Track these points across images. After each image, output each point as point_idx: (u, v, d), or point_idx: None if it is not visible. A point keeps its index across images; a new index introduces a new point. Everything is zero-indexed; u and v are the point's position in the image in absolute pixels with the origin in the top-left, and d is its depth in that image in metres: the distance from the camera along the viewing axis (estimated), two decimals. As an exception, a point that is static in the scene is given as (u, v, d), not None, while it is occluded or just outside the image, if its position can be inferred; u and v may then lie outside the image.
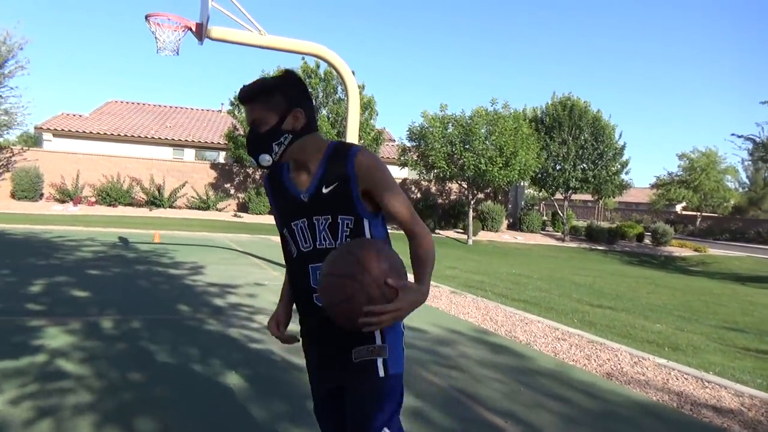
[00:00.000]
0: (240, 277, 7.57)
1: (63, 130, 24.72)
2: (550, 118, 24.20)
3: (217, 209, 22.88)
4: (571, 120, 23.76)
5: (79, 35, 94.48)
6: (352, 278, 1.44)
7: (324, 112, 22.08)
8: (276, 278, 7.76)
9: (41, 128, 25.06)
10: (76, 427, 2.65)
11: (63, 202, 21.25)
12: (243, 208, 23.22)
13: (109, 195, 21.38)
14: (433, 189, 25.46)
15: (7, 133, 21.90)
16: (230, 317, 5.14)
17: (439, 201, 25.22)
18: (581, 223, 28.93)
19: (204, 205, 22.59)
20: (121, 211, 20.88)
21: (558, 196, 25.45)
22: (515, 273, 11.71)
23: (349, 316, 1.45)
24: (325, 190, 1.61)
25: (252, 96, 1.62)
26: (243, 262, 9.41)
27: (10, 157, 21.50)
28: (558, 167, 23.89)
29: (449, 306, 6.63)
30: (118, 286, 6.48)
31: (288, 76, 1.69)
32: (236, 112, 22.66)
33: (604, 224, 28.47)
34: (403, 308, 1.47)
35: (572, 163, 23.53)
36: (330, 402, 1.71)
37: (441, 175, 21.09)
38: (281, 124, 1.59)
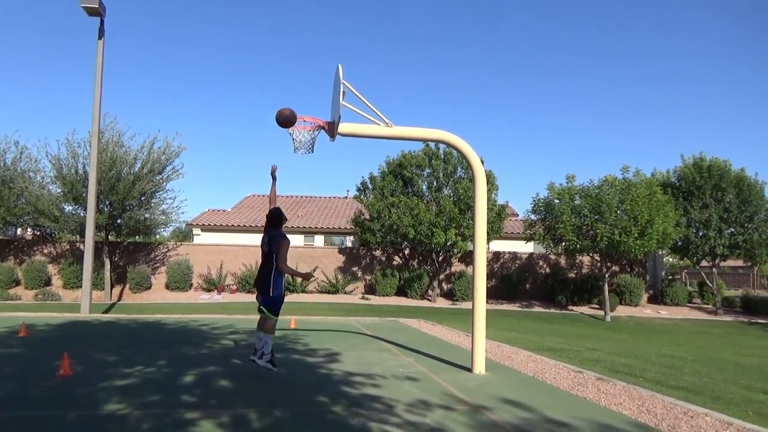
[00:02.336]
0: (375, 365, 7.55)
1: (209, 224, 27.14)
2: (686, 182, 22.57)
3: (345, 292, 23.48)
4: (710, 182, 21.99)
5: (221, 138, 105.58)
6: None
7: (446, 191, 22.33)
8: (410, 365, 7.65)
9: (191, 224, 27.72)
10: None
11: (209, 291, 22.97)
12: (370, 290, 23.63)
13: (248, 282, 22.78)
14: (563, 263, 24.35)
15: (164, 230, 24.42)
16: (370, 410, 5.08)
17: (571, 275, 24.00)
18: (734, 293, 26.02)
19: (333, 289, 23.30)
20: (259, 297, 22.10)
21: (704, 263, 23.24)
22: (666, 354, 10.61)
23: None
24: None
25: (269, 219, 6.82)
26: (374, 347, 9.43)
27: (166, 252, 23.82)
28: (701, 233, 21.98)
29: (598, 395, 6.08)
30: (259, 375, 6.72)
31: (276, 212, 6.87)
32: (362, 197, 23.60)
33: (763, 293, 25.36)
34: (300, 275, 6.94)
35: (717, 229, 21.55)
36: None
37: (570, 247, 20.18)
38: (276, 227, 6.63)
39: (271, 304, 6.40)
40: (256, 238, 27.40)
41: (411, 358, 8.33)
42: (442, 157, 22.31)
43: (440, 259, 23.29)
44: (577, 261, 24.08)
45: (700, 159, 22.61)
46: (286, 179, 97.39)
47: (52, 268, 22.68)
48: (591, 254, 20.69)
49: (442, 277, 23.86)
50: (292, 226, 26.32)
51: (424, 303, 21.88)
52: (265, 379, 6.53)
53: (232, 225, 26.80)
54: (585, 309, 21.69)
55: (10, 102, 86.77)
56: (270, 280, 6.33)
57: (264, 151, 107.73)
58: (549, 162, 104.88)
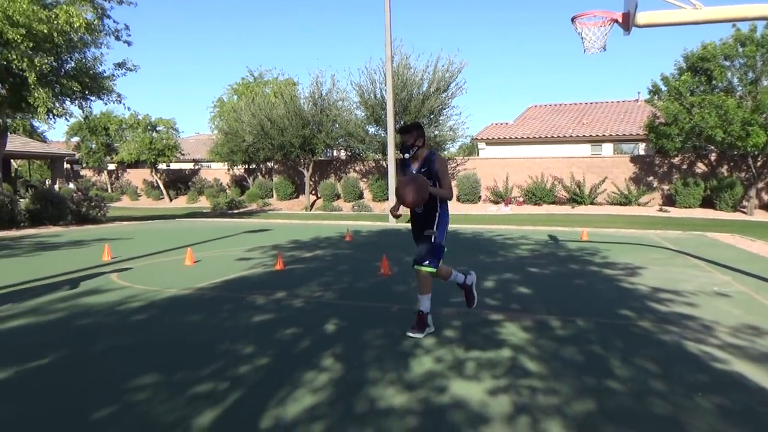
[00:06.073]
0: (684, 281, 6.91)
1: (493, 138, 27.55)
2: None
3: (639, 204, 21.77)
4: None
5: (501, 49, 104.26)
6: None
7: (766, 83, 18.47)
8: (727, 283, 6.79)
9: (476, 138, 28.55)
10: (549, 430, 2.79)
11: (496, 203, 23.67)
12: (668, 201, 21.45)
13: (534, 194, 22.75)
14: None
15: (451, 146, 25.72)
16: (683, 328, 4.70)
17: None
18: None
19: (625, 200, 21.79)
20: (546, 209, 21.97)
21: None
22: None
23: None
24: (423, 169, 4.48)
25: (404, 131, 4.53)
26: (680, 263, 8.59)
27: (455, 166, 25.11)
28: None
29: None
30: (557, 284, 6.75)
31: (419, 125, 4.55)
32: (654, 100, 21.06)
33: None
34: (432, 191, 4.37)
35: None
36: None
37: None
38: (415, 142, 4.48)
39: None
40: (540, 150, 26.92)
41: (727, 276, 7.37)
42: (759, 40, 18.24)
43: (758, 164, 19.67)
44: None
45: None
46: (570, 85, 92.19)
47: (362, 184, 26.11)
48: None
49: (760, 185, 20.22)
50: (578, 135, 25.02)
51: (738, 216, 18.95)
52: (563, 288, 6.54)
53: (515, 137, 26.73)
54: None
55: (317, 35, 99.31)
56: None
57: (548, 55, 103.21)
58: None
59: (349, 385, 3.40)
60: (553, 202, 22.58)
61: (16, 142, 30.41)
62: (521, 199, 23.11)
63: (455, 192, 24.18)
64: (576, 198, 22.17)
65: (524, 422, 2.86)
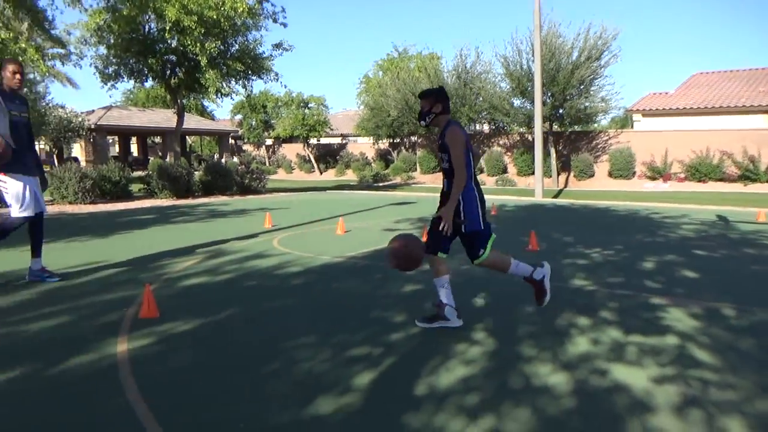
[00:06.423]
0: None
1: (650, 109, 25.39)
2: None
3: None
4: None
5: (664, 12, 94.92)
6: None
7: None
8: None
9: (631, 110, 26.51)
10: (728, 428, 2.55)
11: (653, 179, 21.91)
12: None
13: (699, 170, 20.72)
14: None
15: (603, 118, 24.14)
16: None
17: None
18: None
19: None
20: (712, 186, 19.89)
21: None
22: None
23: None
24: (440, 142, 3.99)
25: (422, 95, 4.07)
26: None
27: (607, 140, 23.61)
28: None
29: None
30: (729, 269, 6.10)
31: (439, 89, 4.07)
32: None
33: None
34: (445, 216, 3.80)
35: None
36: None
37: None
38: (431, 108, 3.98)
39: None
40: (705, 121, 24.41)
41: None
42: None
43: None
44: None
45: None
46: (742, 50, 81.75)
47: (506, 158, 25.52)
48: None
49: None
50: (752, 105, 22.11)
51: None
52: (736, 275, 5.90)
53: (677, 108, 24.32)
54: None
55: (462, 7, 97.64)
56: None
57: (715, 18, 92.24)
58: None
59: (503, 359, 3.37)
60: (721, 179, 20.33)
61: (189, 121, 33.85)
62: (682, 175, 21.10)
63: (606, 167, 22.71)
64: (749, 175, 19.77)
65: (696, 416, 2.64)
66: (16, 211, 5.21)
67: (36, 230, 5.51)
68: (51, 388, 3.00)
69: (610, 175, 22.55)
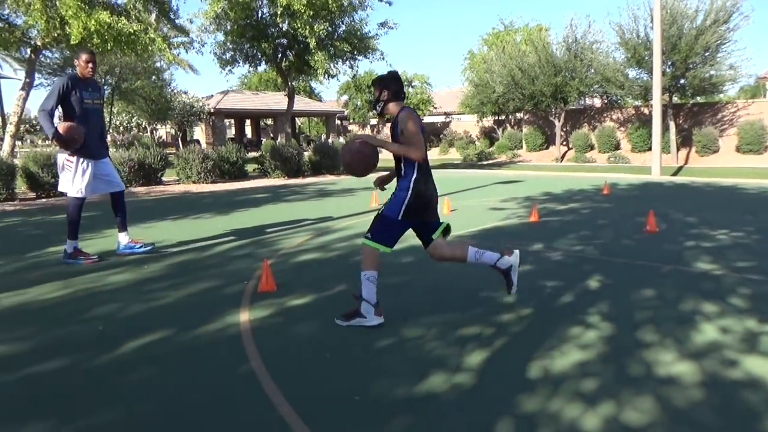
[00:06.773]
0: None
1: (791, 75, 22.83)
2: None
3: None
4: None
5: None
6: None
7: None
8: None
9: (764, 78, 24.02)
10: None
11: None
12: None
13: None
14: None
15: (731, 87, 22.05)
16: None
17: None
18: None
19: None
20: None
21: None
22: None
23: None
24: (393, 130, 3.72)
25: (372, 83, 3.81)
26: None
27: (735, 111, 21.64)
28: None
29: None
30: None
31: (387, 75, 3.76)
32: None
33: None
34: (370, 139, 3.80)
35: None
36: None
37: None
38: (379, 96, 3.71)
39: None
40: None
41: None
42: None
43: None
44: None
45: None
46: None
47: (620, 133, 24.12)
48: None
49: None
50: None
51: None
52: None
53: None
54: None
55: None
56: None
57: None
58: None
59: (621, 346, 3.25)
60: None
61: (298, 103, 35.06)
62: (827, 150, 18.89)
63: (734, 141, 20.78)
64: None
65: None
66: (72, 191, 5.55)
67: (117, 207, 5.86)
68: (184, 351, 3.31)
69: (738, 150, 20.65)
